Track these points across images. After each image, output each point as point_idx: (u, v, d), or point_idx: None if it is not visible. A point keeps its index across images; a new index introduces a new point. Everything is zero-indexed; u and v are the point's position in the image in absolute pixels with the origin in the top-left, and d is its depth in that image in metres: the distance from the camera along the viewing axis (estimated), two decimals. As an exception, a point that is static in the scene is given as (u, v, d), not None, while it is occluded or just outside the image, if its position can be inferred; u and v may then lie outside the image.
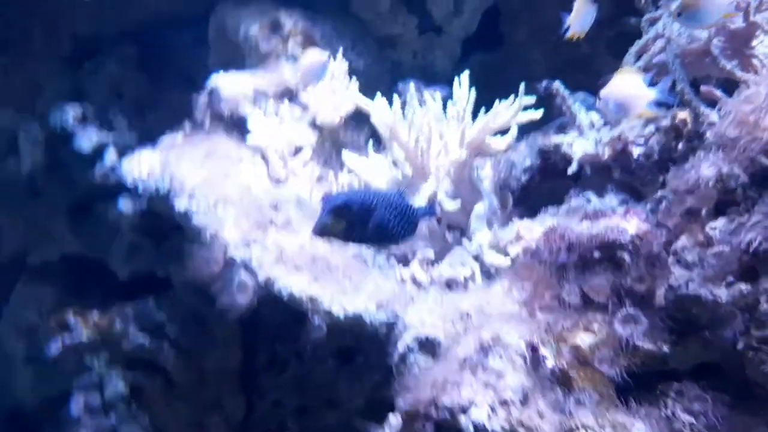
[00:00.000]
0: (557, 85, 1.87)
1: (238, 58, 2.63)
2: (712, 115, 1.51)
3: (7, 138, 2.77)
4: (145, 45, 2.88)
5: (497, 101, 1.85)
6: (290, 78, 2.40)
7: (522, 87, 1.81)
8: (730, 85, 1.50)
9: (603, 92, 1.51)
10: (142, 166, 2.21)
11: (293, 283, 1.81)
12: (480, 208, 1.85)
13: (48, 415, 2.78)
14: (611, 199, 1.73)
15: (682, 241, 1.34)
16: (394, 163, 1.97)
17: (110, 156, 2.63)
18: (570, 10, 1.76)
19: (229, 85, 2.37)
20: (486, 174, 1.99)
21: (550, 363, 1.27)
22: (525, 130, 1.93)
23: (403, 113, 1.92)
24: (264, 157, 2.20)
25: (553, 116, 1.96)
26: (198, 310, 2.32)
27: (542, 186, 1.90)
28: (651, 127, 1.67)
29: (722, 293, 1.25)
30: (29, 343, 2.80)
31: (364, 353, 2.19)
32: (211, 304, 2.06)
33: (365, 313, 1.71)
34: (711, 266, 1.27)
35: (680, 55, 1.64)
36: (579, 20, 1.75)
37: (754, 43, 1.65)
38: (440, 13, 2.74)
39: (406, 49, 2.80)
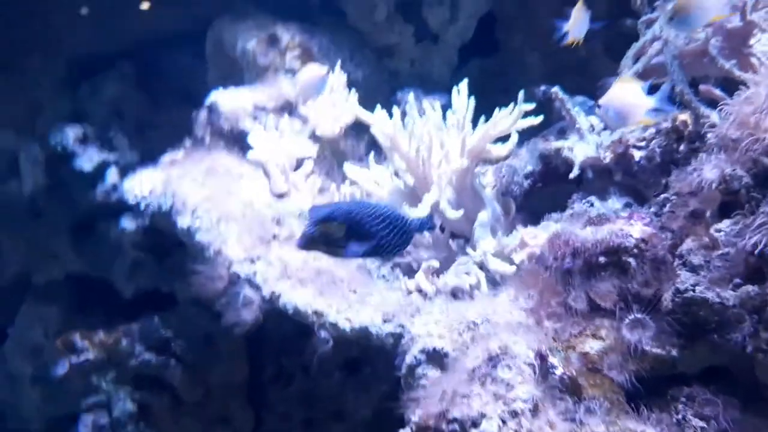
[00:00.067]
0: (556, 89, 1.87)
1: (237, 72, 2.64)
2: (713, 116, 1.51)
3: (8, 159, 2.78)
4: (144, 63, 2.89)
5: (497, 108, 1.85)
6: (289, 91, 2.41)
7: (521, 94, 1.81)
8: (729, 85, 1.50)
9: (602, 101, 1.51)
10: (144, 184, 2.22)
11: (298, 298, 1.81)
12: (484, 216, 1.84)
13: (55, 436, 2.78)
14: (614, 203, 1.72)
15: (688, 243, 1.33)
16: (396, 174, 1.97)
17: (112, 175, 2.64)
18: (563, 17, 1.77)
19: (229, 100, 2.38)
20: (488, 181, 1.98)
21: (559, 371, 1.27)
22: (525, 135, 1.93)
23: (403, 123, 1.92)
24: (265, 172, 2.20)
25: (553, 121, 1.96)
26: (203, 326, 2.32)
27: (544, 191, 1.89)
28: (652, 130, 1.66)
29: (729, 296, 1.24)
30: (36, 364, 2.80)
31: (371, 364, 2.19)
32: (216, 320, 2.06)
33: (371, 325, 1.70)
34: (717, 269, 1.27)
35: (678, 57, 1.64)
36: (577, 27, 1.76)
37: (752, 41, 1.65)
38: (436, 21, 2.75)
39: (403, 58, 2.81)
